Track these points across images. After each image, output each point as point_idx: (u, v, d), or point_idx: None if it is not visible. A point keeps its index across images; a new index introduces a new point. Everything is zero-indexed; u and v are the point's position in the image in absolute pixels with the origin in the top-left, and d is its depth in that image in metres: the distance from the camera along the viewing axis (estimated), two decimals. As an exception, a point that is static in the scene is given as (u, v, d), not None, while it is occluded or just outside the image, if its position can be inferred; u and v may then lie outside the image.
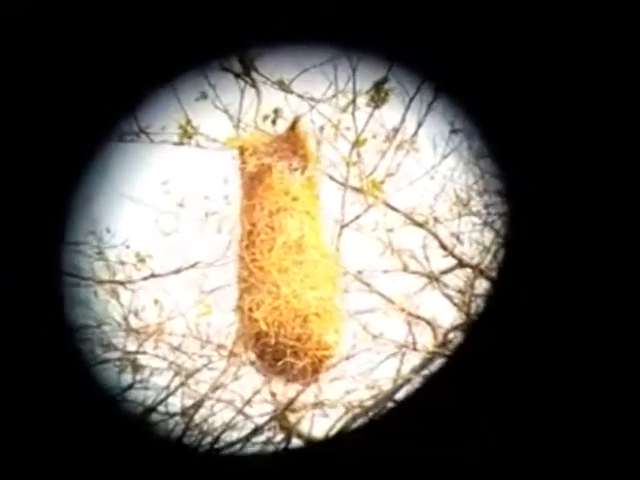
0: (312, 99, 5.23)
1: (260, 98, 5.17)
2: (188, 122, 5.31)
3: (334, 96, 5.29)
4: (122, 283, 5.63)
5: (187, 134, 5.32)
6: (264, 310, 4.63)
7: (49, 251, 4.65)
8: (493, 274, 5.40)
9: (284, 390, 5.07)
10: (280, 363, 4.62)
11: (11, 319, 4.35)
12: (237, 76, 5.27)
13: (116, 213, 5.45)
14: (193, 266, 5.46)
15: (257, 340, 4.66)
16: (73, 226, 5.07)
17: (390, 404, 5.63)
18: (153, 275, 5.60)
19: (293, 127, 4.94)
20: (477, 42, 4.29)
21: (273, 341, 4.60)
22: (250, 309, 4.67)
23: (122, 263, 5.63)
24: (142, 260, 5.61)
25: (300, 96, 5.17)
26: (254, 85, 5.24)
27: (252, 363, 4.83)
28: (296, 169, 4.90)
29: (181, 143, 5.36)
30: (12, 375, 4.35)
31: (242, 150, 4.94)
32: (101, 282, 5.57)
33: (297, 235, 4.76)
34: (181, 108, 5.26)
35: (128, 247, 5.63)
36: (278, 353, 4.62)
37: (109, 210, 5.40)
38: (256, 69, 5.23)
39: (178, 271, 5.53)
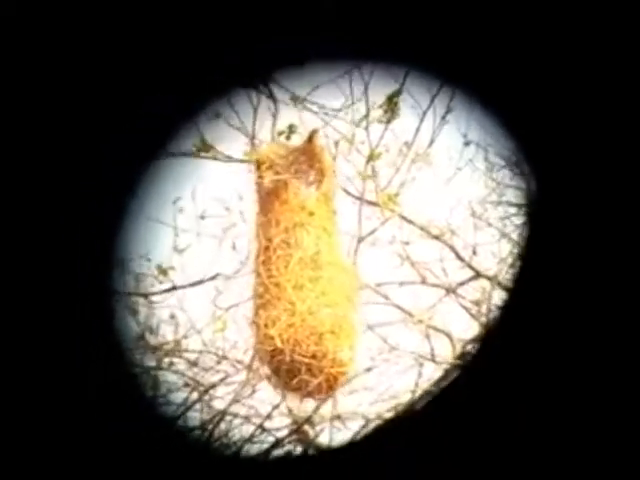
0: (326, 114, 5.24)
1: (275, 114, 5.19)
2: (202, 140, 5.32)
3: (347, 111, 5.31)
4: (145, 295, 5.56)
5: (203, 150, 5.34)
6: (279, 327, 4.66)
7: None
8: (510, 285, 5.39)
9: (300, 406, 5.06)
10: (295, 380, 4.63)
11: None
12: (250, 92, 5.28)
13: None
14: (213, 278, 5.35)
15: (272, 357, 4.70)
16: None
17: (409, 415, 5.63)
18: (174, 287, 5.53)
19: (310, 139, 4.95)
20: (493, 50, 4.29)
21: (288, 358, 4.63)
22: (266, 325, 4.71)
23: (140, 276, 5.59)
24: (164, 272, 5.53)
25: (314, 112, 5.18)
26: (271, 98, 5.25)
27: (268, 379, 4.84)
28: (312, 183, 4.91)
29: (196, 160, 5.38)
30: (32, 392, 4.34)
31: (259, 164, 4.95)
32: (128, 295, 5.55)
33: (313, 251, 4.78)
34: (196, 127, 5.28)
35: (149, 260, 5.54)
36: (293, 370, 4.67)
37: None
38: (268, 85, 5.24)
39: (200, 282, 5.45)
